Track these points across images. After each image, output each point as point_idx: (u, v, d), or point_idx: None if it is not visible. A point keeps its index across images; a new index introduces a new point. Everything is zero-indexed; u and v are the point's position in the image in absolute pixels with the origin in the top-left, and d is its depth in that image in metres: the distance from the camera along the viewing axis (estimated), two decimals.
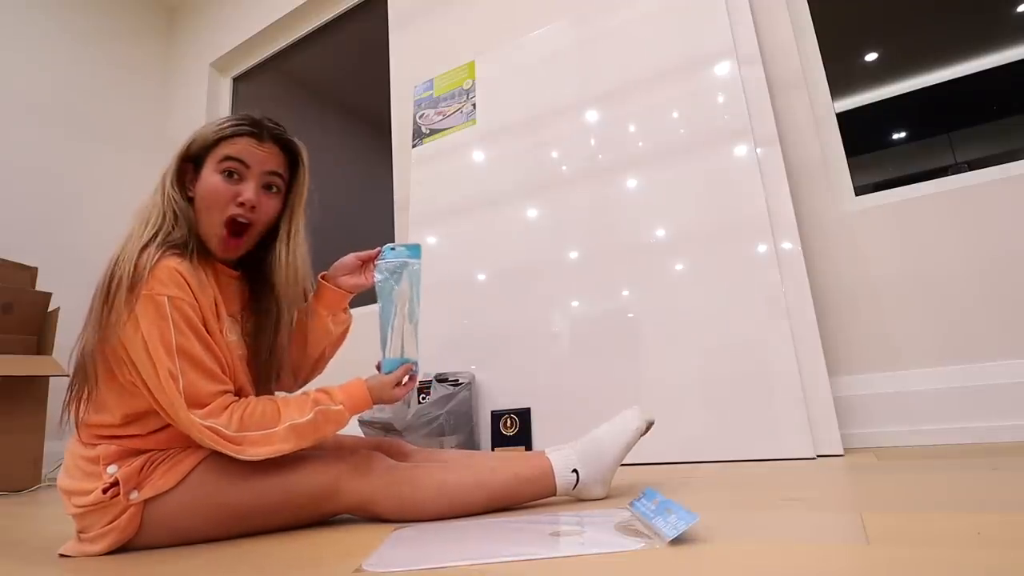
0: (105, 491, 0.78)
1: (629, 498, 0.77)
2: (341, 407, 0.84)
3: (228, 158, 0.87)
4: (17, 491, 1.95)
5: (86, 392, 0.82)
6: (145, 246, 0.81)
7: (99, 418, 0.83)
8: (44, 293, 2.17)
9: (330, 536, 0.81)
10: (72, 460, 0.84)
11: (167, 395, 0.76)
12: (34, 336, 2.14)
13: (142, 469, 0.80)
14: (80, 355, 0.81)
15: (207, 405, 0.78)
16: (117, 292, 0.77)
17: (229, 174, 0.87)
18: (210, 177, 0.87)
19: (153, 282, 0.77)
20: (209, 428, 0.76)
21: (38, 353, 2.14)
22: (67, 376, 0.84)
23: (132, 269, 0.78)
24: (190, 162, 0.89)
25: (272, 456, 0.79)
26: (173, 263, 0.80)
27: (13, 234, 2.51)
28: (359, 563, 0.63)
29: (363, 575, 0.59)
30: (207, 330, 0.82)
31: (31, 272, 2.21)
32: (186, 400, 0.76)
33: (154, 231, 0.84)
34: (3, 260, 2.15)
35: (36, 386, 2.09)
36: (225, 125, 0.88)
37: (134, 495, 0.79)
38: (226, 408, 0.79)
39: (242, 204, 0.87)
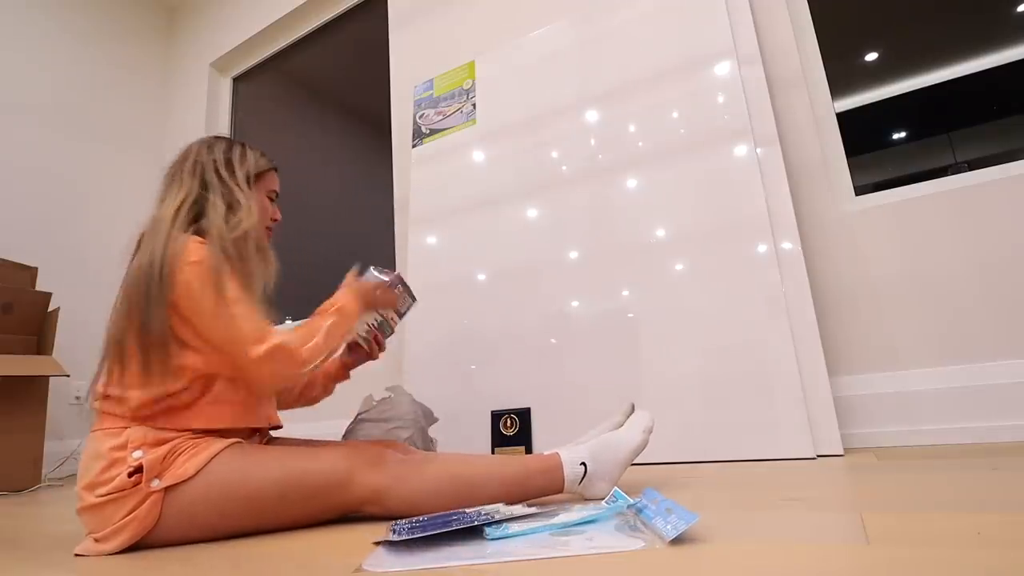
0: (130, 475, 0.80)
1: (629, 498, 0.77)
2: (342, 303, 1.00)
3: (273, 190, 1.13)
4: (17, 491, 1.95)
5: (119, 369, 0.87)
6: (175, 230, 0.93)
7: (134, 395, 0.86)
8: (44, 293, 2.17)
9: (330, 536, 0.81)
10: (95, 450, 0.85)
11: (231, 334, 0.87)
12: (34, 336, 2.14)
13: (165, 457, 0.83)
14: (115, 335, 0.88)
15: (267, 335, 0.88)
16: (162, 269, 0.87)
17: (270, 199, 1.12)
18: (241, 182, 1.06)
19: (192, 252, 0.89)
20: (277, 347, 0.87)
21: (38, 353, 2.14)
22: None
23: (172, 249, 0.89)
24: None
25: (322, 356, 0.92)
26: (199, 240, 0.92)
27: (13, 234, 2.52)
28: (359, 563, 0.63)
29: (363, 575, 0.59)
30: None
31: (31, 272, 2.21)
32: (250, 335, 0.87)
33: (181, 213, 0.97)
34: (3, 260, 2.16)
35: (36, 386, 2.09)
36: (266, 161, 1.11)
37: (155, 483, 0.81)
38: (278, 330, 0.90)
39: (275, 221, 1.13)
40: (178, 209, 0.96)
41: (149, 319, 0.85)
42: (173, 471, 0.82)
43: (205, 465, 0.83)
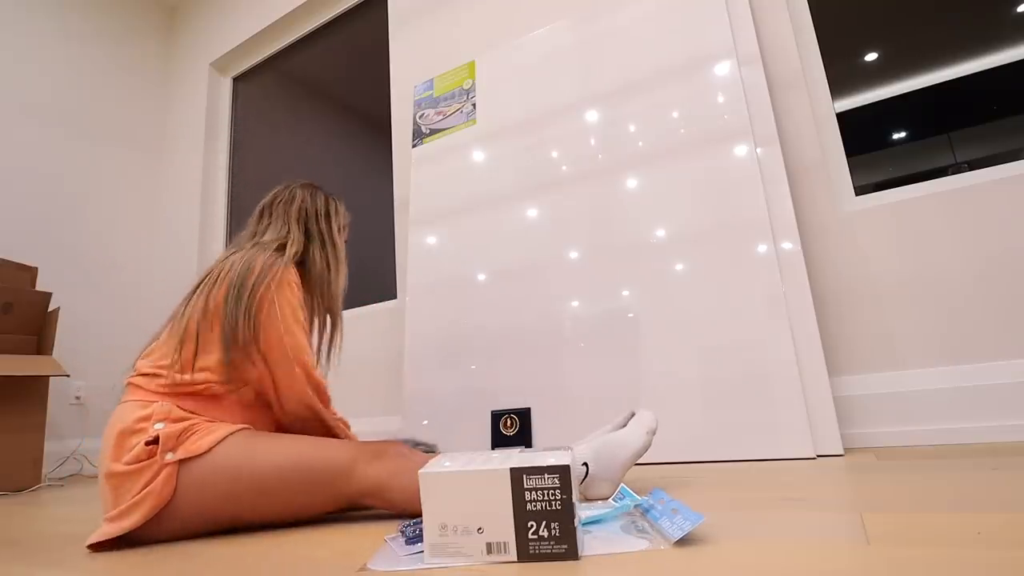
0: (147, 444, 0.85)
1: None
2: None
3: (346, 241, 1.24)
4: (17, 491, 1.95)
5: (192, 351, 0.95)
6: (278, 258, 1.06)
7: (179, 377, 0.93)
8: (44, 293, 2.17)
9: (333, 535, 0.81)
10: (121, 419, 0.89)
11: (298, 347, 0.99)
12: (34, 336, 2.14)
13: (181, 434, 0.87)
14: (192, 326, 0.96)
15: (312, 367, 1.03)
16: (260, 282, 0.98)
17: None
18: (338, 236, 1.21)
19: (288, 276, 1.02)
20: (317, 382, 1.02)
21: (38, 353, 2.14)
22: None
23: (274, 269, 1.01)
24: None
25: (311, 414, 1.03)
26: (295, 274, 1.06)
27: (13, 234, 2.52)
28: (363, 562, 0.63)
29: (367, 574, 0.59)
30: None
31: (31, 272, 2.21)
32: (308, 359, 1.01)
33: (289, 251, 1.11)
34: (3, 260, 2.15)
35: (36, 386, 2.09)
36: (347, 214, 1.25)
37: (169, 455, 0.85)
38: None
39: None
40: (283, 245, 1.09)
41: (235, 327, 0.94)
42: (187, 446, 0.86)
43: (217, 444, 0.88)
